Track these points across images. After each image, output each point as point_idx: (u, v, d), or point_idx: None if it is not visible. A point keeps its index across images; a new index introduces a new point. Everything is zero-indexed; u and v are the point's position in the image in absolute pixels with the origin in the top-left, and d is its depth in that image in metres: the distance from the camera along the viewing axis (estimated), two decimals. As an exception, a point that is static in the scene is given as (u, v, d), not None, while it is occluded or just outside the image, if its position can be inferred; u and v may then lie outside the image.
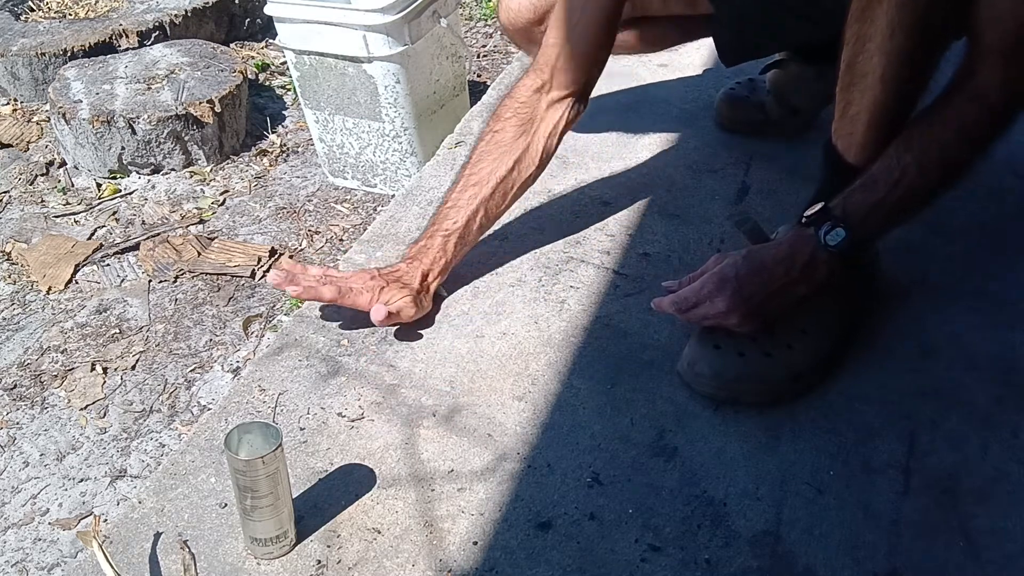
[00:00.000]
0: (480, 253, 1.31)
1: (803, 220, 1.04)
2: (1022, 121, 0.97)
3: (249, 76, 2.46)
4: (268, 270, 1.85)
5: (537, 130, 1.21)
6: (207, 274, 1.85)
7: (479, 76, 2.55)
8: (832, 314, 1.09)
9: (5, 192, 2.17)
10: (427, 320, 1.20)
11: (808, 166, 1.41)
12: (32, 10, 2.83)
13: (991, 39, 0.92)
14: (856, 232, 0.99)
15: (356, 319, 1.20)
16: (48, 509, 1.37)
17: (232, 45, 2.76)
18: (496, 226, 1.32)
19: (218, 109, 2.19)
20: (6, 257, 1.94)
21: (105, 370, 1.62)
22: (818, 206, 1.02)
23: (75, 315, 1.76)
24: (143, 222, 2.04)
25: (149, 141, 2.14)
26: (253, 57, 2.72)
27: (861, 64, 0.97)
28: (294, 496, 0.93)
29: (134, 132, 2.13)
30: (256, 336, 1.69)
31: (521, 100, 1.22)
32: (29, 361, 1.66)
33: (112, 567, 0.89)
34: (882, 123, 1.01)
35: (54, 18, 2.77)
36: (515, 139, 1.21)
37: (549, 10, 1.29)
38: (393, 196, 1.83)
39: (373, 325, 1.17)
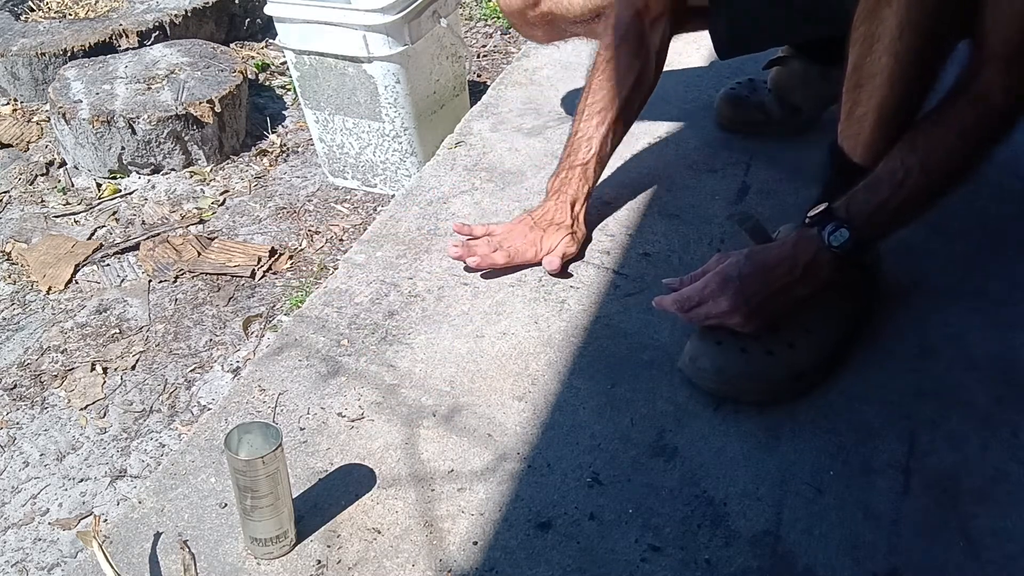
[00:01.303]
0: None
1: (807, 220, 1.04)
2: None
3: (249, 76, 2.46)
4: (268, 270, 1.85)
5: (648, 51, 1.29)
6: (207, 274, 1.85)
7: (479, 76, 2.54)
8: (836, 313, 1.09)
9: (5, 192, 2.17)
10: (429, 319, 1.20)
11: (808, 166, 1.41)
12: (32, 10, 2.83)
13: (995, 43, 0.92)
14: (859, 233, 0.99)
15: (356, 321, 1.21)
16: (48, 509, 1.37)
17: (232, 45, 2.76)
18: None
19: (218, 109, 2.19)
20: (6, 257, 1.94)
21: (105, 370, 1.62)
22: (822, 207, 1.02)
23: (75, 315, 1.76)
24: (143, 222, 2.04)
25: (149, 141, 2.14)
26: (253, 57, 2.72)
27: (869, 65, 0.97)
28: (294, 496, 0.93)
29: (134, 132, 2.13)
30: (256, 336, 1.69)
31: (624, 27, 1.28)
32: (29, 361, 1.66)
33: (112, 567, 0.89)
34: (889, 124, 1.00)
35: (54, 18, 2.77)
36: (629, 64, 1.29)
37: None
38: (393, 196, 1.83)
39: (372, 325, 1.18)
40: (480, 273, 1.27)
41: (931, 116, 0.99)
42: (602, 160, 1.30)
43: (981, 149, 0.98)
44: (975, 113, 0.96)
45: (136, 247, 1.94)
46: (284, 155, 2.28)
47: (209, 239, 1.95)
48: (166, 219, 2.04)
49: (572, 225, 1.27)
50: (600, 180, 1.45)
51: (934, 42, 0.94)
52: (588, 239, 1.31)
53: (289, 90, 2.54)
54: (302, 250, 1.93)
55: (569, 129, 1.32)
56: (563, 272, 1.26)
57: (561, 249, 1.25)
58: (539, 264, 1.26)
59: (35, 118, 2.45)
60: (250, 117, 2.38)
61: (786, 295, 1.03)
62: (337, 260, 1.60)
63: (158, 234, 1.98)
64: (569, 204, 1.27)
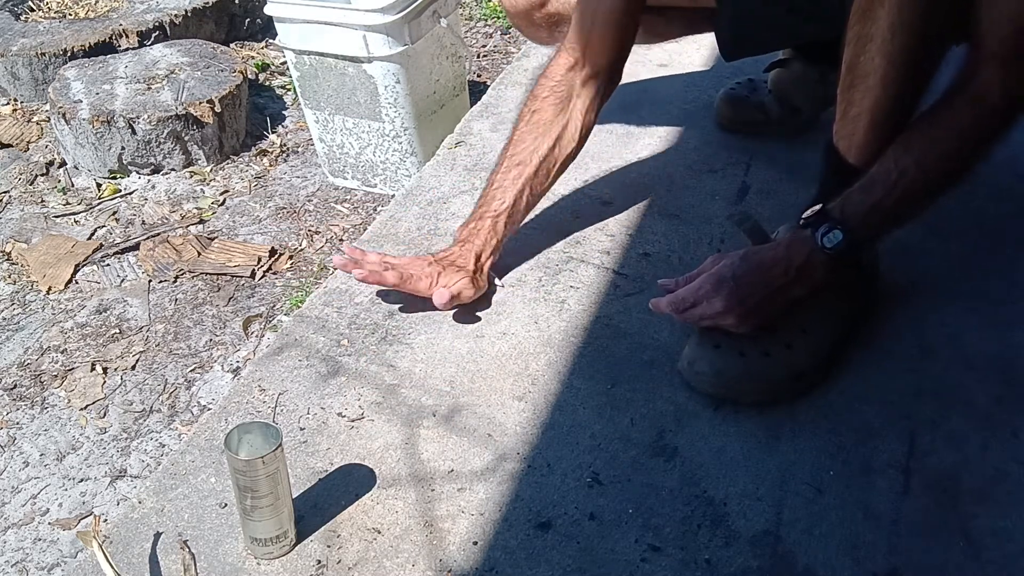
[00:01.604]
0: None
1: (801, 222, 1.04)
2: (1022, 121, 0.97)
3: (249, 76, 2.46)
4: (268, 270, 1.86)
5: (575, 107, 1.24)
6: (207, 274, 1.85)
7: (479, 76, 2.55)
8: (833, 313, 1.09)
9: (5, 192, 2.17)
10: (429, 319, 1.20)
11: (808, 166, 1.41)
12: (32, 10, 2.83)
13: (991, 43, 0.93)
14: (854, 234, 0.99)
15: (356, 321, 1.21)
16: (48, 509, 1.37)
17: (232, 45, 2.76)
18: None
19: (218, 109, 2.19)
20: (6, 257, 1.94)
21: (105, 370, 1.62)
22: (816, 208, 1.02)
23: (75, 315, 1.76)
24: (143, 222, 2.04)
25: (149, 141, 2.15)
26: (253, 57, 2.72)
27: (862, 65, 0.97)
28: (294, 496, 0.93)
29: (134, 132, 2.13)
30: (256, 336, 1.69)
31: (556, 79, 1.24)
32: (29, 361, 1.66)
33: (112, 567, 0.89)
34: (883, 124, 1.01)
35: (54, 18, 2.77)
36: (554, 117, 1.24)
37: None
38: (393, 196, 1.83)
39: (372, 325, 1.18)
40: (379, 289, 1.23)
41: (927, 116, 0.99)
42: (514, 215, 1.23)
43: (978, 149, 0.98)
44: (972, 113, 0.96)
45: (136, 247, 1.94)
46: (284, 155, 2.28)
47: (209, 239, 1.95)
48: (166, 219, 2.04)
49: (474, 273, 1.19)
50: (600, 180, 1.46)
51: (927, 43, 0.94)
52: (490, 290, 1.24)
53: (289, 90, 2.54)
54: (302, 250, 1.93)
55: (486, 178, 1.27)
56: (449, 304, 1.16)
57: (457, 287, 1.16)
58: (428, 298, 1.16)
59: (35, 118, 2.45)
60: (250, 117, 2.38)
61: (781, 296, 1.03)
62: (337, 260, 1.60)
63: (158, 234, 1.98)
64: (474, 254, 1.20)
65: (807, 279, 1.02)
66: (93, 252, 1.93)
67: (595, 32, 1.20)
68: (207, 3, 2.70)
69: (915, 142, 0.98)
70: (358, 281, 1.19)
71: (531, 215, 1.37)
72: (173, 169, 2.21)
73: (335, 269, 1.20)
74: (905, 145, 0.98)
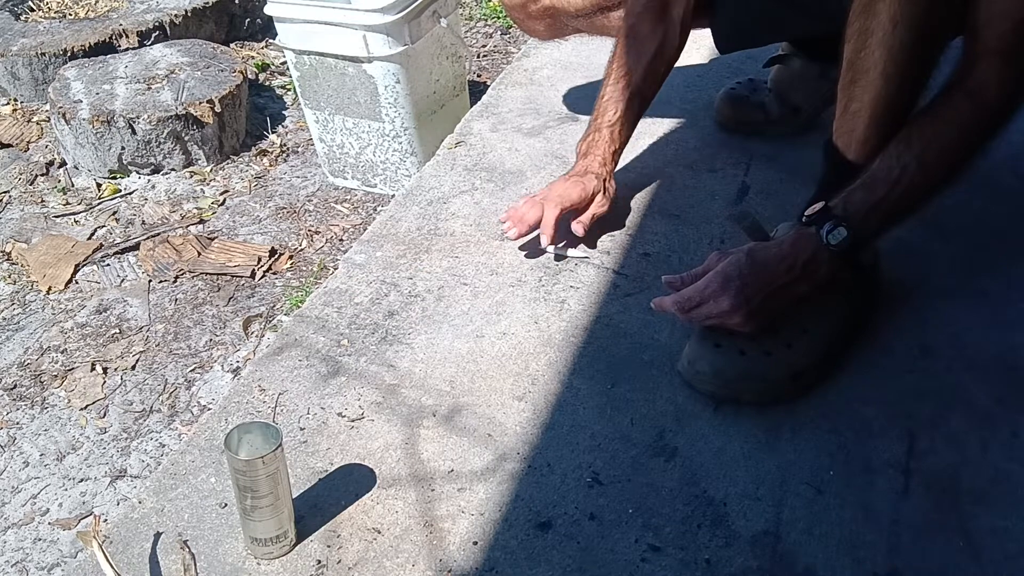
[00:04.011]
0: (480, 253, 1.31)
1: (804, 219, 1.04)
2: (1022, 120, 0.97)
3: (249, 76, 2.46)
4: (268, 270, 1.85)
5: (671, 19, 1.30)
6: (207, 274, 1.85)
7: (479, 76, 2.54)
8: (833, 313, 1.09)
9: (5, 192, 2.17)
10: (429, 319, 1.20)
11: (808, 166, 1.41)
12: (32, 10, 2.83)
13: (989, 38, 0.93)
14: (858, 231, 1.00)
15: (356, 321, 1.21)
16: (48, 509, 1.37)
17: (232, 45, 2.76)
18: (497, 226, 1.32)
19: (218, 109, 2.19)
20: (6, 257, 1.94)
21: (105, 370, 1.62)
22: (819, 205, 1.02)
23: (75, 315, 1.76)
24: (143, 222, 2.04)
25: (149, 141, 2.14)
26: (253, 57, 2.72)
27: (863, 60, 0.97)
28: (294, 496, 0.93)
29: (134, 132, 2.13)
30: (256, 336, 1.69)
31: None
32: (29, 361, 1.66)
33: (112, 567, 0.89)
34: (883, 120, 1.01)
35: (54, 18, 2.77)
36: (653, 28, 1.30)
37: None
38: (393, 196, 1.83)
39: (372, 325, 1.18)
40: (520, 247, 1.31)
41: (926, 112, 0.99)
42: (628, 122, 1.32)
43: (977, 144, 0.99)
44: (970, 108, 0.96)
45: (136, 247, 1.94)
46: (284, 155, 2.28)
47: (209, 239, 1.95)
48: (166, 219, 2.04)
49: (606, 180, 1.29)
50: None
51: (928, 37, 0.94)
52: (616, 200, 1.33)
53: (289, 90, 2.54)
54: (302, 250, 1.93)
55: (597, 92, 1.35)
56: (589, 239, 1.30)
57: (592, 210, 1.28)
58: (589, 205, 1.27)
59: (35, 118, 2.45)
60: (250, 117, 2.38)
61: (786, 293, 1.03)
62: (337, 260, 1.60)
63: (158, 234, 1.98)
64: (599, 162, 1.30)
65: (811, 276, 1.02)
66: (93, 252, 1.93)
67: None
68: (207, 3, 2.70)
69: (915, 138, 0.98)
70: (512, 237, 1.26)
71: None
72: (173, 169, 2.21)
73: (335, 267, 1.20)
74: (906, 141, 0.98)
